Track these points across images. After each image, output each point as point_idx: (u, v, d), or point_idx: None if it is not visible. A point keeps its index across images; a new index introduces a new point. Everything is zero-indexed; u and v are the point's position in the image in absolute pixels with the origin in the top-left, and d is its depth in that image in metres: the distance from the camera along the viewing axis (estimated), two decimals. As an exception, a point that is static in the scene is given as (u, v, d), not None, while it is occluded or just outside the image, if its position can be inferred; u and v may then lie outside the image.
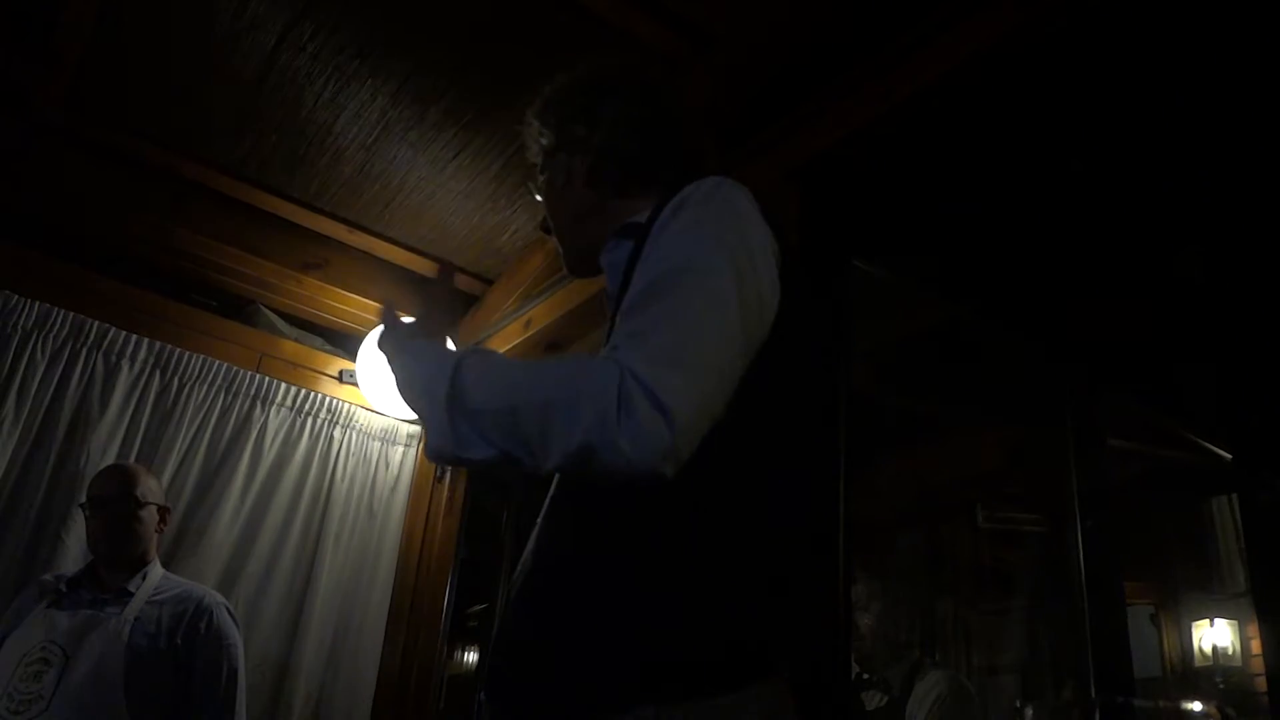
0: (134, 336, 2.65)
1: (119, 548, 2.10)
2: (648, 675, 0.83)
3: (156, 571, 2.14)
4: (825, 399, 1.05)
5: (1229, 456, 2.82)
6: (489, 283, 3.06)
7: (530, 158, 1.24)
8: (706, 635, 0.85)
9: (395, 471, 3.04)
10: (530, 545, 0.99)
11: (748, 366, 0.86)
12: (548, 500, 1.00)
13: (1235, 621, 3.70)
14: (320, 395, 2.94)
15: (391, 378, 1.06)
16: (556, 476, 0.98)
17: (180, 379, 2.70)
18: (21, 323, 2.48)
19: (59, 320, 2.54)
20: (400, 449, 3.08)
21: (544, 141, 1.21)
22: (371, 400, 2.96)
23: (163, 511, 2.22)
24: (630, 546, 0.88)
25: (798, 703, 0.92)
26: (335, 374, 3.02)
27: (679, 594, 0.85)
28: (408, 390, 1.01)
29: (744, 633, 0.88)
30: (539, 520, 1.01)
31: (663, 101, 1.19)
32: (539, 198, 1.23)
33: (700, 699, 0.83)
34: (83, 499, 2.28)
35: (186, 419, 2.68)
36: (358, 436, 2.99)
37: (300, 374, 2.95)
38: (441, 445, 0.87)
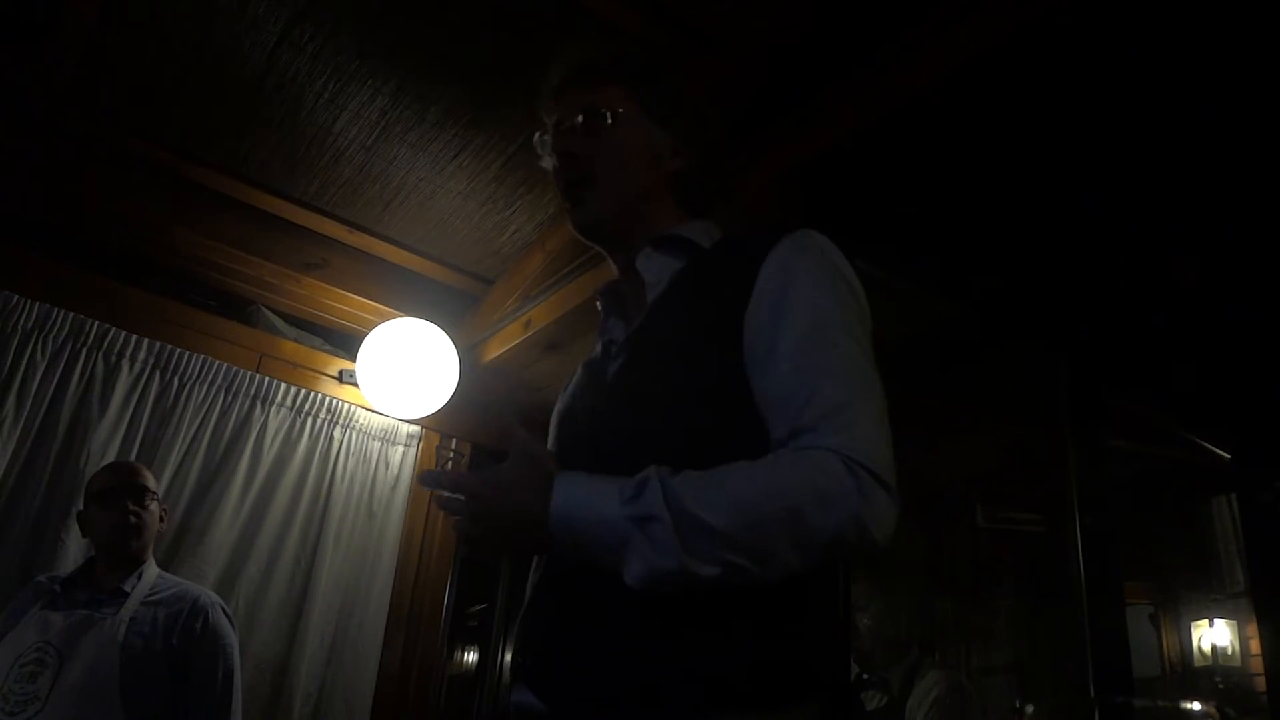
0: (134, 336, 2.65)
1: (128, 540, 2.10)
2: (724, 684, 0.84)
3: (152, 571, 2.14)
4: None
5: (1229, 456, 2.82)
6: (489, 283, 3.06)
7: (581, 103, 1.14)
8: (782, 649, 0.87)
9: (395, 471, 3.04)
10: (531, 589, 1.00)
11: None
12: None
13: (1234, 621, 3.70)
14: (320, 395, 2.94)
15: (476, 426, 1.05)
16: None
17: (180, 379, 2.70)
18: (21, 323, 2.48)
19: (59, 320, 2.54)
20: (400, 449, 3.08)
21: (605, 91, 1.14)
22: (371, 400, 2.96)
23: (163, 511, 2.23)
24: (635, 609, 0.87)
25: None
26: (335, 374, 3.02)
27: (757, 605, 0.86)
28: (581, 527, 0.87)
29: (809, 650, 0.90)
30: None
31: (717, 125, 1.22)
32: (582, 139, 1.13)
33: (771, 712, 0.85)
34: (82, 496, 2.29)
35: (186, 419, 2.68)
36: (358, 436, 2.99)
37: (300, 374, 2.95)
38: (682, 567, 0.81)
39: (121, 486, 2.13)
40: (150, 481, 2.18)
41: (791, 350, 0.91)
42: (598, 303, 1.19)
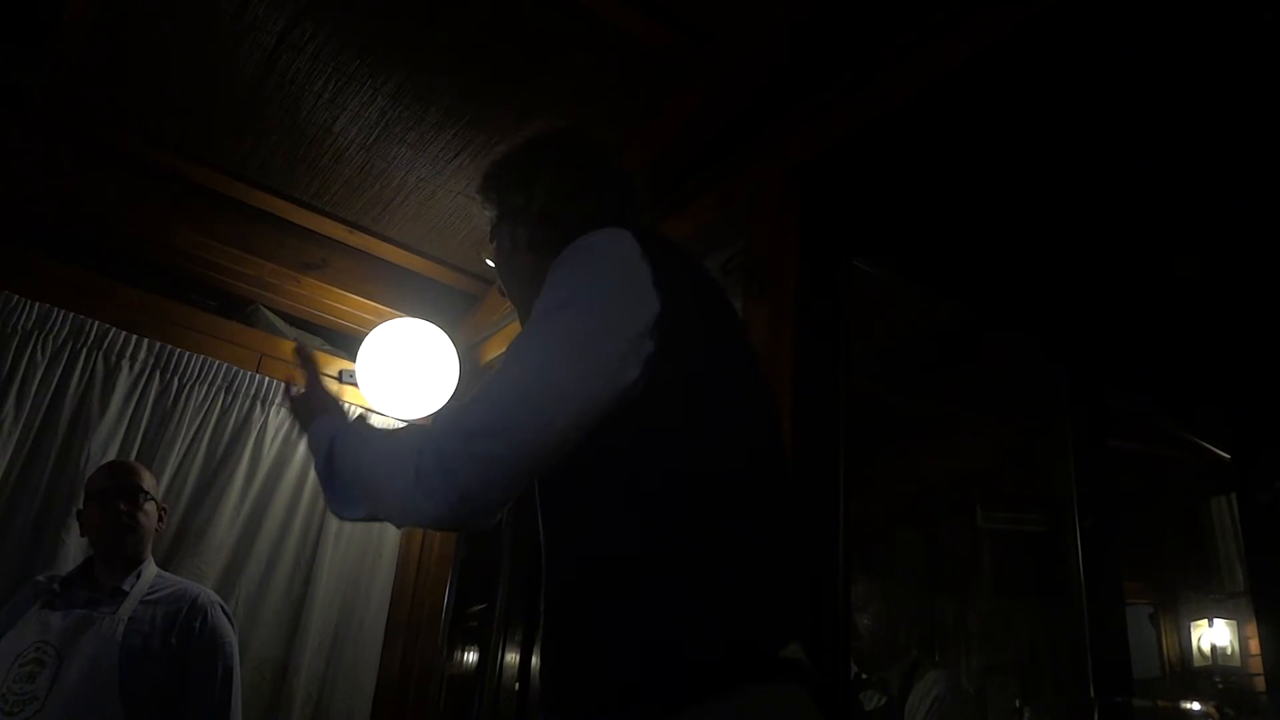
0: (134, 336, 2.65)
1: (124, 540, 2.10)
2: (635, 683, 0.87)
3: (151, 570, 2.14)
4: (763, 396, 1.10)
5: (1229, 456, 2.82)
6: (489, 283, 3.06)
7: (482, 226, 1.34)
8: (705, 638, 0.88)
9: (395, 471, 3.04)
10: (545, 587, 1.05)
11: (626, 405, 0.92)
12: (540, 522, 1.06)
13: (1234, 621, 3.70)
14: (320, 395, 2.93)
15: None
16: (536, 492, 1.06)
17: (180, 379, 2.70)
18: (21, 323, 2.48)
19: (59, 320, 2.54)
20: (400, 449, 3.07)
21: (489, 213, 1.30)
22: (371, 400, 2.96)
23: (161, 510, 2.23)
24: (623, 555, 0.93)
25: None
26: (335, 374, 3.02)
27: (674, 599, 0.89)
28: (315, 463, 1.18)
29: (744, 633, 0.90)
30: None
31: (596, 166, 1.27)
32: (490, 264, 1.33)
33: (695, 703, 0.85)
34: (82, 496, 2.29)
35: (186, 419, 2.68)
36: (358, 436, 2.98)
37: (301, 374, 2.95)
38: (330, 506, 1.12)
39: (116, 487, 2.13)
40: (146, 481, 2.18)
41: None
42: None
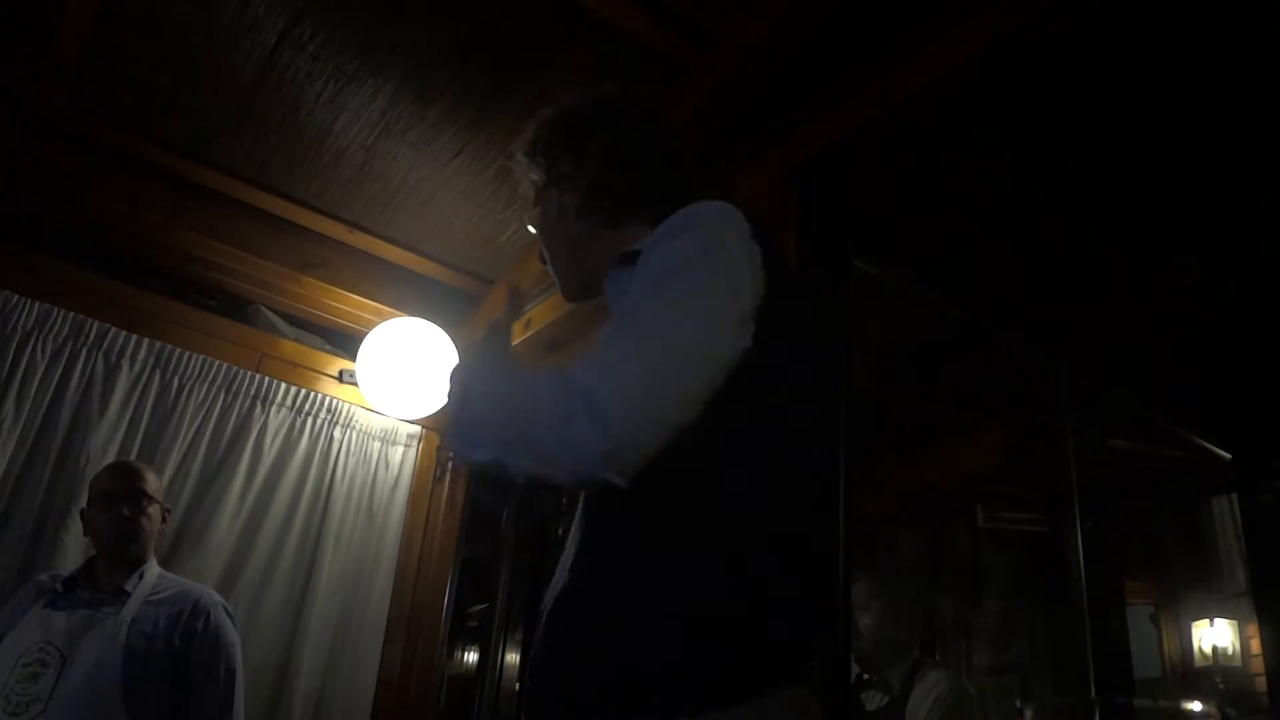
0: (134, 336, 2.65)
1: (126, 543, 2.09)
2: (675, 691, 0.85)
3: (153, 571, 2.14)
4: (829, 402, 1.07)
5: (1229, 456, 2.82)
6: (489, 283, 3.06)
7: (522, 192, 1.28)
8: (723, 651, 0.86)
9: (395, 471, 3.04)
10: (560, 569, 1.01)
11: (730, 381, 0.88)
12: (577, 516, 1.03)
13: (1235, 621, 3.70)
14: (320, 395, 2.94)
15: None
16: (582, 493, 1.02)
17: (180, 379, 2.70)
18: (21, 323, 2.48)
19: (59, 320, 2.54)
20: (400, 449, 3.07)
21: (534, 177, 1.25)
22: (371, 400, 2.96)
23: (164, 512, 2.23)
24: (645, 559, 0.91)
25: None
26: (335, 374, 3.02)
27: (693, 605, 0.87)
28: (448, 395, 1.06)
29: (764, 640, 0.89)
30: (568, 544, 1.04)
31: (649, 130, 1.23)
32: (533, 230, 1.27)
33: (722, 708, 0.84)
34: (84, 497, 2.29)
35: (186, 419, 2.68)
36: (358, 436, 2.99)
37: (300, 374, 2.95)
38: (451, 444, 0.98)
39: (119, 491, 2.12)
40: (149, 484, 2.17)
41: (619, 316, 0.94)
42: None
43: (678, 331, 0.88)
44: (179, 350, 2.71)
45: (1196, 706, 3.45)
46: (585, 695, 0.90)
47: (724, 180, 2.18)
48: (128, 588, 2.06)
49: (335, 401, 2.96)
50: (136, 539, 2.10)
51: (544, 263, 1.28)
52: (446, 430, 1.06)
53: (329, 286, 2.97)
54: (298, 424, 2.87)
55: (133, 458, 2.51)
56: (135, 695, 1.93)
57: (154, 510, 2.16)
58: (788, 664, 0.90)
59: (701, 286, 0.91)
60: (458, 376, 1.02)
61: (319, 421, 2.92)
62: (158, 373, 2.67)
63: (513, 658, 3.13)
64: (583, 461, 0.82)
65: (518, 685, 3.07)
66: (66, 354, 2.54)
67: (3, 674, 1.90)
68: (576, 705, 0.91)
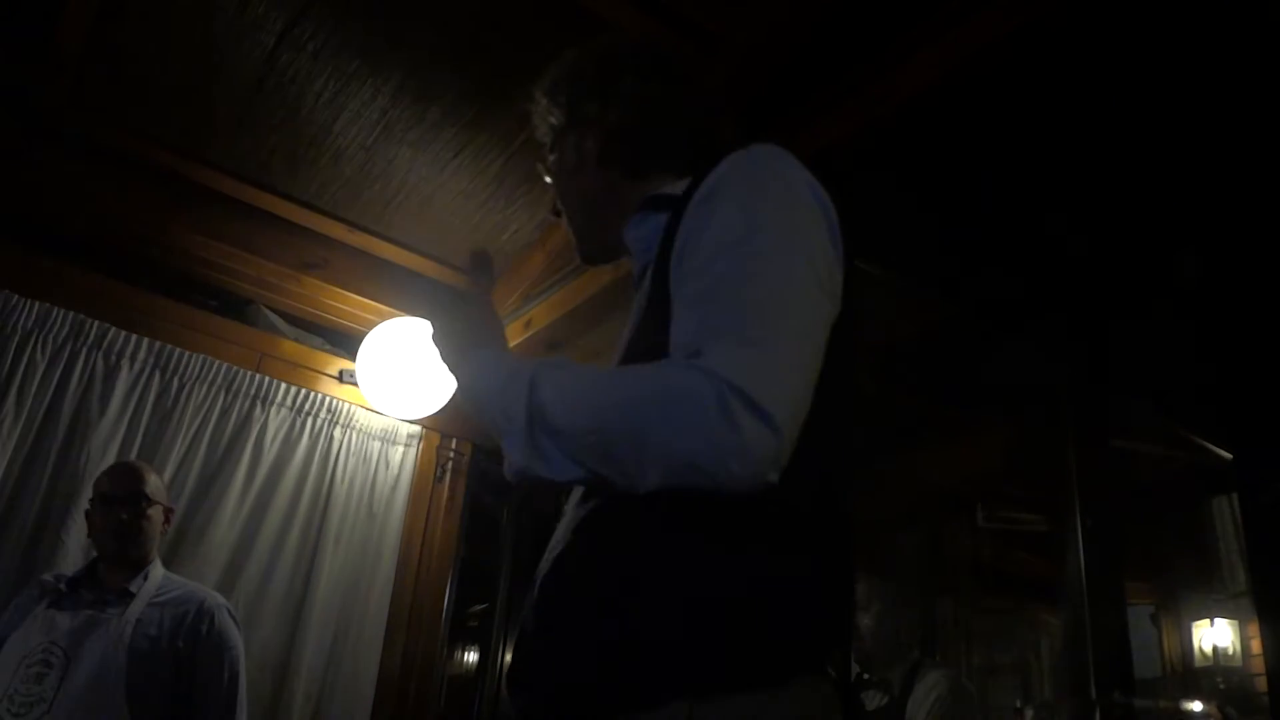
0: (134, 336, 2.65)
1: (126, 546, 2.09)
2: (681, 669, 0.77)
3: (158, 572, 2.14)
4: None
5: (1229, 456, 2.82)
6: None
7: (539, 137, 1.18)
8: (743, 629, 0.79)
9: (395, 471, 3.04)
10: (562, 530, 0.93)
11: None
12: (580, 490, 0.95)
13: (1235, 621, 3.70)
14: (320, 395, 2.94)
15: (452, 382, 1.01)
16: None
17: (180, 379, 2.70)
18: (21, 323, 2.48)
19: (59, 320, 2.54)
20: (400, 449, 3.07)
21: (553, 120, 1.15)
22: (371, 400, 2.96)
23: (167, 513, 2.22)
24: (665, 537, 0.81)
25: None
26: (335, 374, 3.02)
27: (714, 586, 0.80)
28: (476, 406, 0.93)
29: (783, 628, 0.81)
30: (570, 507, 0.96)
31: (679, 78, 1.13)
32: (548, 179, 1.18)
33: (734, 694, 0.77)
34: (84, 497, 2.29)
35: (186, 419, 2.68)
36: (358, 436, 2.99)
37: (300, 374, 2.95)
38: (526, 466, 0.82)
39: (119, 494, 2.12)
40: (150, 486, 2.16)
41: (695, 273, 0.83)
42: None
43: (795, 302, 0.80)
44: (179, 350, 2.71)
45: (1196, 706, 3.45)
46: (578, 667, 0.82)
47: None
48: (132, 589, 2.06)
49: (335, 401, 2.96)
50: (135, 541, 2.10)
51: (557, 215, 1.17)
52: (507, 444, 0.84)
53: (329, 286, 2.97)
54: (298, 424, 2.87)
55: (133, 458, 2.51)
56: (139, 697, 1.93)
57: (155, 512, 2.16)
58: (809, 651, 0.82)
59: (796, 246, 0.83)
60: (495, 383, 0.89)
61: (319, 421, 2.92)
62: (158, 373, 2.67)
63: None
64: (749, 463, 0.72)
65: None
66: (66, 354, 2.54)
67: (6, 675, 1.90)
68: (567, 679, 0.83)
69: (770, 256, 0.82)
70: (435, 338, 1.04)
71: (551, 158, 1.16)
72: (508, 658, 3.11)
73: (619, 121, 1.09)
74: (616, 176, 1.09)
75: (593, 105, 1.11)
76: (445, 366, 1.02)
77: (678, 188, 1.00)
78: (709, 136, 1.10)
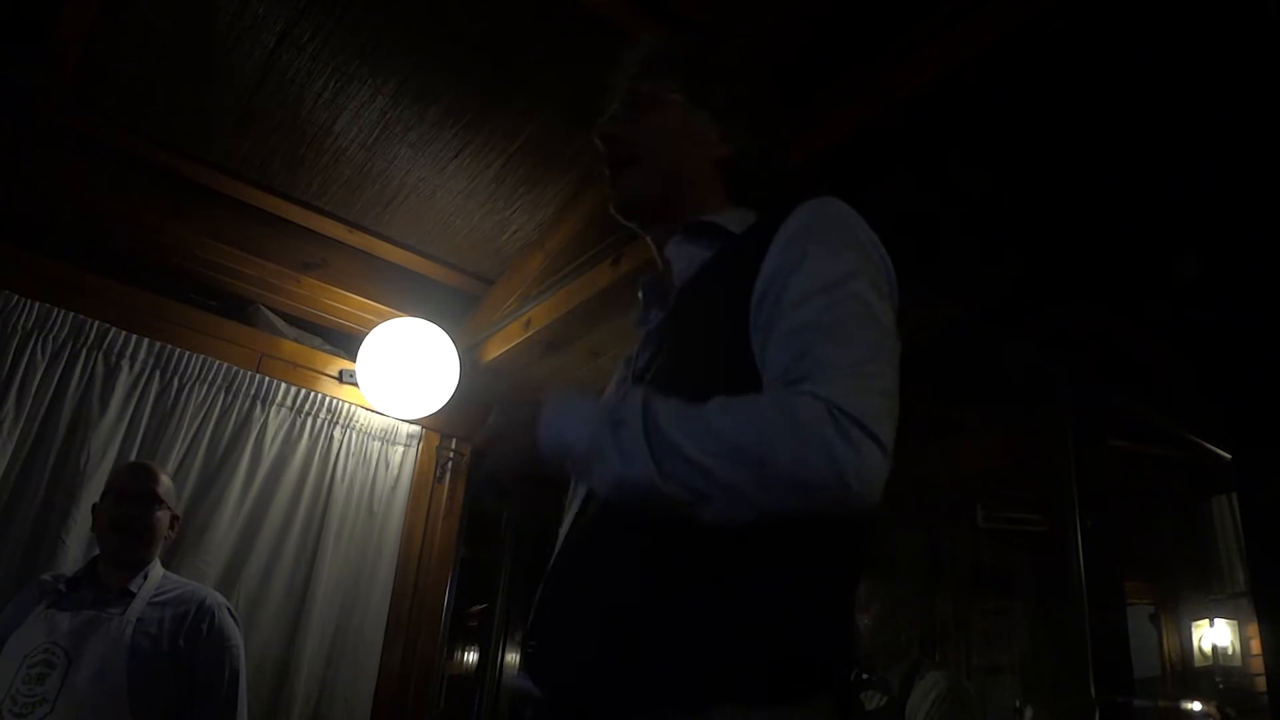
0: (134, 336, 2.64)
1: (131, 544, 2.09)
2: (730, 675, 0.82)
3: (158, 571, 2.14)
4: None
5: (1229, 456, 2.82)
6: (489, 283, 3.06)
7: (640, 82, 1.18)
8: (792, 641, 0.85)
9: (395, 471, 3.04)
10: (589, 528, 0.96)
11: None
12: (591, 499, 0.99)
13: (1235, 621, 3.70)
14: (320, 395, 2.94)
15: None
16: None
17: (180, 379, 2.70)
18: (21, 323, 2.48)
19: (59, 320, 2.54)
20: (400, 449, 3.07)
21: (670, 83, 1.16)
22: (371, 400, 2.96)
23: (173, 519, 2.22)
24: (717, 545, 0.85)
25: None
26: (335, 374, 3.02)
27: (767, 596, 0.85)
28: (574, 429, 0.89)
29: (822, 643, 0.87)
30: (573, 513, 1.00)
31: (781, 134, 1.24)
32: (617, 119, 1.17)
33: (780, 704, 0.82)
34: (84, 497, 2.29)
35: (186, 419, 2.68)
36: (358, 436, 2.99)
37: (300, 374, 2.95)
38: (641, 476, 0.82)
39: (132, 491, 2.12)
40: (163, 488, 2.17)
41: (793, 309, 0.90)
42: (640, 293, 1.19)
43: (882, 339, 0.89)
44: (179, 350, 2.71)
45: (1196, 706, 3.46)
46: (634, 669, 0.84)
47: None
48: (132, 588, 2.06)
49: (335, 401, 2.96)
50: (140, 540, 2.10)
51: (606, 157, 1.17)
52: (616, 457, 0.84)
53: (329, 286, 2.97)
54: (298, 424, 2.87)
55: (133, 458, 2.51)
56: (141, 696, 1.93)
57: (163, 514, 2.16)
58: (830, 672, 0.87)
59: (875, 292, 0.92)
60: (571, 409, 0.89)
61: (319, 421, 2.92)
62: (158, 373, 2.67)
63: (513, 658, 3.13)
64: (866, 483, 0.79)
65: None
66: (66, 354, 2.54)
67: (8, 675, 1.90)
68: (584, 674, 0.87)
69: (862, 300, 0.90)
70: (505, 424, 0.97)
71: (649, 104, 1.16)
72: (508, 658, 3.11)
73: (748, 143, 1.15)
74: (707, 169, 1.14)
75: (721, 99, 1.16)
76: (513, 429, 0.94)
77: (727, 218, 1.10)
78: (779, 181, 1.18)
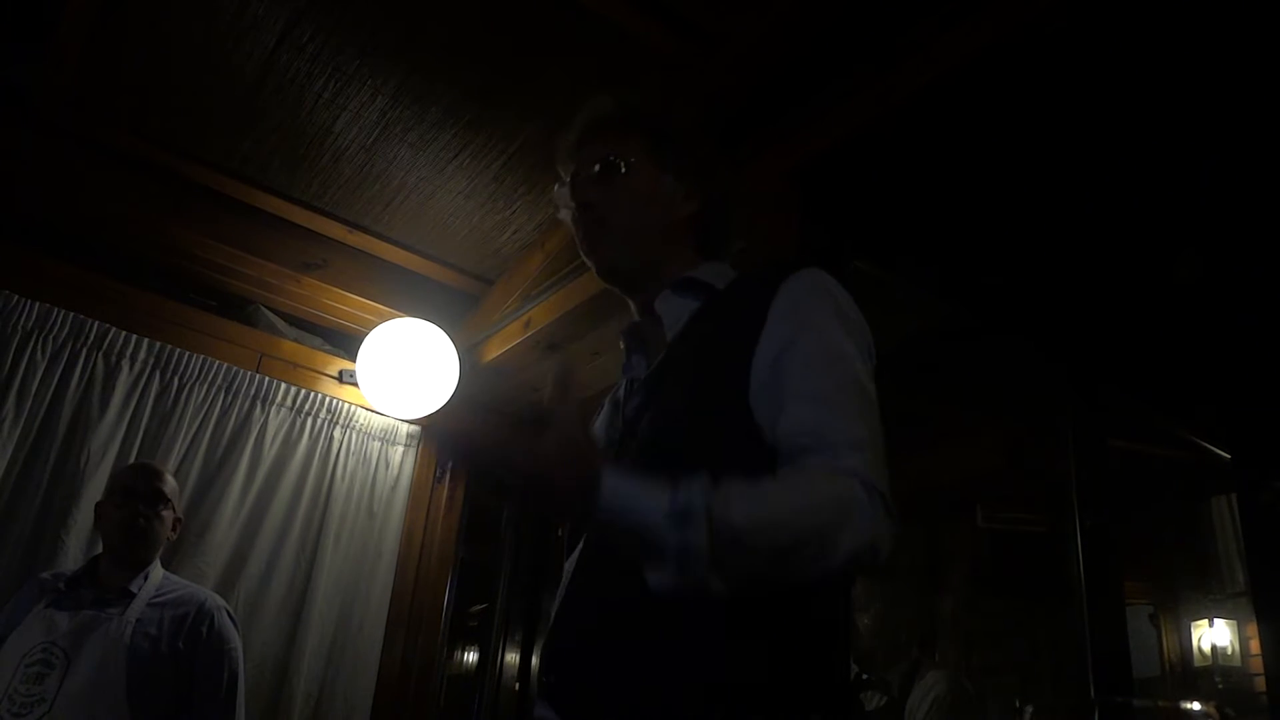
0: (134, 336, 2.65)
1: (134, 543, 2.09)
2: (736, 703, 0.89)
3: (158, 572, 2.14)
4: None
5: (1229, 456, 2.82)
6: (489, 283, 3.06)
7: (606, 145, 1.20)
8: (793, 672, 0.92)
9: (395, 471, 3.04)
10: (598, 559, 1.02)
11: None
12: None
13: (1234, 621, 3.70)
14: (320, 395, 2.94)
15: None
16: None
17: (180, 379, 2.70)
18: (21, 323, 2.48)
19: (59, 320, 2.54)
20: (400, 449, 3.08)
21: (636, 143, 1.20)
22: (371, 400, 2.96)
23: (176, 521, 2.22)
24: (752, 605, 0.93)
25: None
26: (335, 374, 3.02)
27: (774, 629, 0.92)
28: (619, 526, 0.85)
29: (817, 672, 0.95)
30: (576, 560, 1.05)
31: (735, 186, 1.31)
32: (595, 169, 1.19)
33: None
34: (84, 497, 2.29)
35: (186, 419, 2.68)
36: (358, 436, 2.99)
37: (300, 374, 2.95)
38: (696, 576, 0.81)
39: (139, 489, 2.13)
40: (168, 488, 2.18)
41: (805, 381, 0.97)
42: (621, 342, 1.24)
43: (877, 418, 0.98)
44: (179, 350, 2.71)
45: (1196, 707, 3.45)
46: (616, 696, 0.92)
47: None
48: (132, 588, 2.06)
49: (335, 401, 2.96)
50: (144, 539, 2.11)
51: (579, 223, 1.20)
52: (678, 560, 0.80)
53: (329, 286, 2.97)
54: (298, 424, 2.88)
55: (133, 458, 2.51)
56: (139, 697, 1.94)
57: (168, 515, 2.17)
58: (822, 694, 0.95)
59: (866, 368, 1.02)
60: (655, 514, 0.81)
61: (319, 421, 2.92)
62: (158, 373, 2.67)
63: (513, 658, 3.13)
64: (888, 545, 0.89)
65: (517, 685, 3.07)
66: (66, 354, 2.54)
67: (6, 674, 1.90)
68: (604, 706, 0.93)
69: (860, 373, 1.00)
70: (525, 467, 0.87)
71: (620, 169, 1.19)
72: (508, 658, 3.11)
73: (713, 199, 1.22)
74: (675, 228, 1.20)
75: (688, 160, 1.22)
76: (563, 490, 0.85)
77: (705, 272, 1.17)
78: (737, 231, 1.26)
